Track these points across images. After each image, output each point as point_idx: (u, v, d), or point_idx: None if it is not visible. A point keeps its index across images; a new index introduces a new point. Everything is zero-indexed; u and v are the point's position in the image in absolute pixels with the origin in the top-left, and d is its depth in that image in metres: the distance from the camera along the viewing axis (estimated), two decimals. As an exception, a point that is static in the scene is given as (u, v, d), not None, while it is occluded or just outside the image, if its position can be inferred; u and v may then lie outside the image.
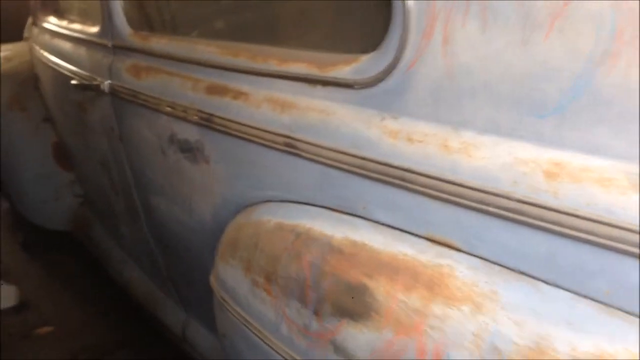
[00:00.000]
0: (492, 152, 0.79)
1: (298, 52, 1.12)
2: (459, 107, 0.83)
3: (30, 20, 2.84)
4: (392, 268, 0.89)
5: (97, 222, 2.64)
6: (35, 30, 2.62)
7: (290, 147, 1.08)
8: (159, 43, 1.49)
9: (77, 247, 3.02)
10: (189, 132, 1.37)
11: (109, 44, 1.70)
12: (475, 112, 0.81)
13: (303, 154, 1.06)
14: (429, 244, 0.89)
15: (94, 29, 1.81)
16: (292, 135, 1.07)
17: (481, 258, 0.82)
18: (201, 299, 1.66)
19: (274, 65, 1.13)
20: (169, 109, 1.41)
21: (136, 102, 1.55)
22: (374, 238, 0.95)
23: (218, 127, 1.25)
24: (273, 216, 1.14)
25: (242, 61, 1.21)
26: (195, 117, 1.32)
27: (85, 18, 2.02)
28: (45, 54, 2.31)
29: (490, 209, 0.79)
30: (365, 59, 0.97)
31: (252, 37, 1.37)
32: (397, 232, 0.93)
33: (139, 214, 1.85)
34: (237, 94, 1.21)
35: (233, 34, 1.53)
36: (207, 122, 1.28)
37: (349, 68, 0.99)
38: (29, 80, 2.85)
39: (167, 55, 1.45)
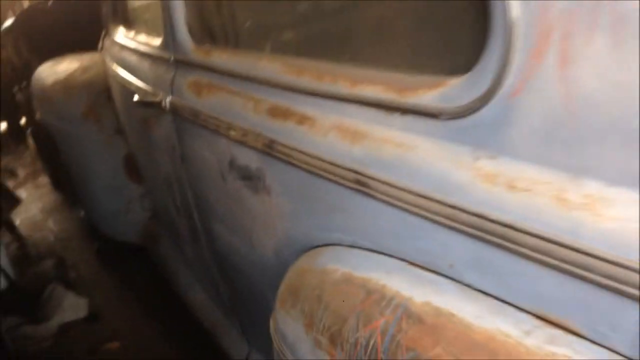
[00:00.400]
0: (627, 211, 0.59)
1: (373, 72, 0.94)
2: (581, 149, 0.63)
3: (104, 31, 2.81)
4: (489, 351, 0.69)
5: (164, 238, 2.56)
6: (107, 42, 2.57)
7: (362, 185, 0.91)
8: (221, 58, 1.36)
9: (149, 260, 2.97)
10: (249, 158, 1.22)
11: (171, 58, 1.59)
12: (604, 157, 0.61)
13: (377, 194, 0.88)
14: (538, 323, 0.69)
15: (157, 42, 1.70)
16: (363, 171, 0.90)
17: (614, 351, 0.62)
18: (264, 335, 1.51)
19: (344, 87, 0.96)
20: (229, 131, 1.27)
21: (197, 122, 1.42)
22: (464, 307, 0.76)
23: (280, 155, 1.10)
24: (340, 265, 0.97)
25: (307, 81, 1.04)
26: (256, 143, 1.16)
27: (150, 29, 1.93)
28: (114, 66, 2.24)
29: (628, 289, 0.58)
30: (454, 83, 0.78)
31: (322, 50, 1.20)
32: (494, 302, 0.74)
33: (201, 239, 1.73)
34: (302, 119, 1.04)
35: (302, 47, 1.36)
36: (269, 148, 1.12)
37: (434, 94, 0.80)
38: (104, 92, 2.81)
39: (228, 71, 1.30)
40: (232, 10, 1.50)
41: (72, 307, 2.94)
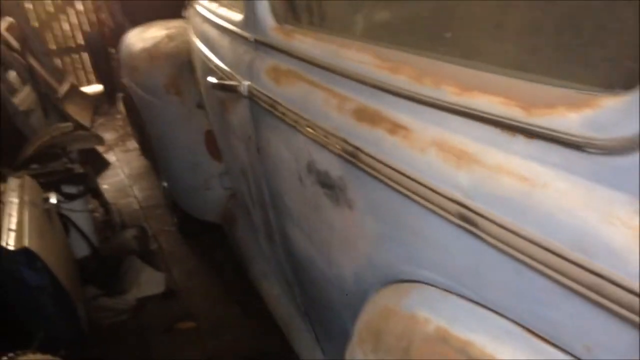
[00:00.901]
0: None
1: (490, 75, 0.73)
2: None
3: (187, -1, 2.68)
4: None
5: (242, 220, 2.44)
6: (191, 11, 2.44)
7: (467, 221, 0.71)
8: (303, 42, 1.18)
9: (227, 239, 2.88)
10: (330, 164, 1.04)
11: (251, 38, 1.42)
12: None
13: (487, 237, 0.68)
14: None
15: (238, 18, 1.54)
16: (471, 205, 0.70)
17: None
18: (339, 351, 1.35)
19: (450, 94, 0.75)
20: (308, 129, 1.09)
21: (274, 113, 1.25)
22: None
23: (366, 167, 0.91)
24: (434, 314, 0.78)
25: (403, 81, 0.85)
26: (338, 147, 0.98)
27: (233, 2, 1.77)
28: (195, 39, 2.11)
29: None
30: (610, 104, 0.57)
31: (424, 38, 0.99)
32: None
33: (275, 237, 1.58)
34: (395, 127, 0.85)
35: (400, 32, 1.15)
36: (353, 157, 0.94)
37: (578, 116, 0.59)
38: (187, 63, 2.70)
39: (310, 59, 1.12)
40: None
41: (150, 282, 2.91)
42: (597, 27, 0.65)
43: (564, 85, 0.65)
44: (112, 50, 5.63)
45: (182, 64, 2.74)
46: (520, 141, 0.66)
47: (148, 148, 3.85)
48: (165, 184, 3.46)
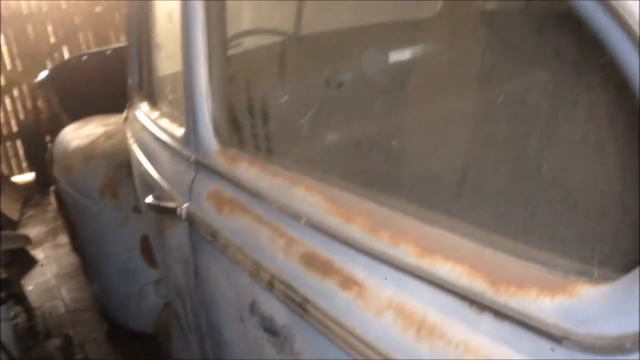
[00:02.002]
0: None
1: (455, 237, 0.68)
2: None
3: (128, 102, 2.62)
4: None
5: (177, 335, 2.29)
6: (131, 114, 2.37)
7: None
8: (249, 171, 1.12)
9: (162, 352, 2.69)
10: (275, 310, 0.96)
11: (192, 157, 1.35)
12: None
13: None
14: None
15: (179, 132, 1.48)
16: (435, 385, 0.63)
17: None
18: None
19: (409, 255, 0.70)
20: (252, 268, 1.01)
21: (215, 244, 1.17)
22: None
23: (314, 322, 0.83)
24: None
25: (358, 232, 0.79)
26: (285, 295, 0.91)
27: (174, 114, 1.71)
28: (134, 147, 2.03)
29: None
30: (592, 293, 0.51)
31: (377, 173, 0.95)
32: None
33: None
34: (347, 281, 0.78)
35: (351, 155, 1.12)
36: (300, 308, 0.86)
37: (550, 303, 0.54)
38: (125, 164, 2.60)
39: (257, 192, 1.06)
40: (267, 108, 1.27)
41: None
42: (570, 196, 0.62)
43: (533, 256, 0.60)
44: (48, 138, 5.46)
45: (119, 165, 2.64)
46: (488, 320, 0.60)
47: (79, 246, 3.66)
48: (95, 288, 3.26)
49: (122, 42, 6.26)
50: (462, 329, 0.62)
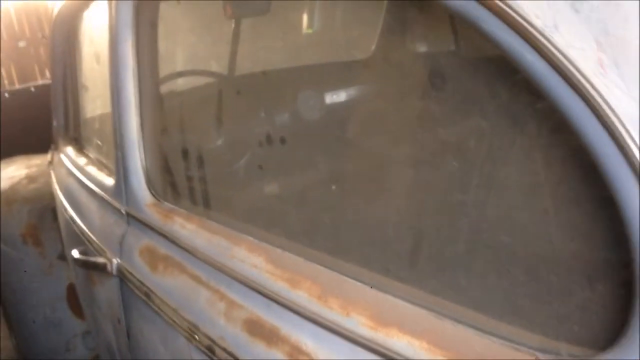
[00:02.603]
0: None
1: (414, 307, 0.64)
2: None
3: (53, 145, 2.49)
4: None
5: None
6: (56, 158, 2.25)
7: None
8: (185, 227, 1.05)
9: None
10: (216, 379, 0.89)
11: (122, 209, 1.28)
12: None
13: None
14: None
15: (109, 182, 1.39)
16: None
17: None
18: None
19: (362, 326, 0.65)
20: (189, 332, 0.94)
21: (149, 303, 1.09)
22: None
23: (262, 395, 0.77)
24: None
25: (304, 299, 0.74)
26: (227, 363, 0.84)
27: (104, 160, 1.62)
28: (59, 193, 1.92)
29: None
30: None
31: (321, 228, 0.91)
32: None
33: None
34: (295, 352, 0.73)
35: (291, 206, 1.08)
36: (245, 380, 0.80)
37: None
38: (50, 209, 2.46)
39: (194, 250, 1.00)
40: (202, 158, 1.21)
41: None
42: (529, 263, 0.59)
43: (495, 329, 0.56)
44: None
45: (43, 210, 2.49)
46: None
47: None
48: (16, 340, 3.05)
49: (47, 79, 6.05)
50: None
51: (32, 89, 4.89)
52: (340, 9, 2.73)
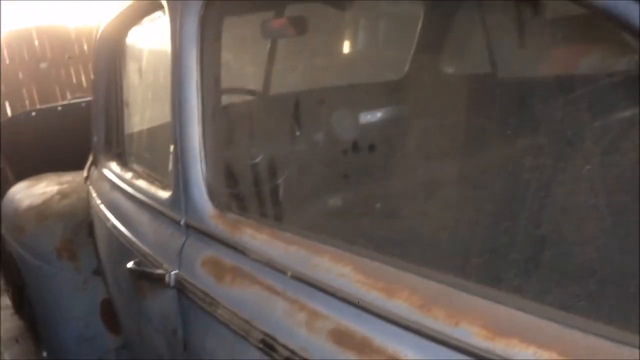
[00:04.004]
0: None
1: (523, 315, 0.62)
2: None
3: (90, 158, 2.49)
4: None
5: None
6: (95, 173, 2.25)
7: None
8: (256, 238, 1.04)
9: None
10: (295, 391, 0.87)
11: (181, 221, 1.26)
12: None
13: None
14: None
15: (164, 194, 1.38)
16: None
17: None
18: None
19: (476, 337, 0.63)
20: (262, 344, 0.93)
21: (214, 314, 1.07)
22: None
23: (351, 407, 0.75)
24: None
25: (404, 308, 0.72)
26: (311, 375, 0.82)
27: (154, 174, 1.62)
28: (103, 207, 1.91)
29: None
30: None
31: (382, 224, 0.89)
32: None
33: None
34: (393, 362, 0.71)
35: (358, 217, 1.06)
36: (332, 391, 0.78)
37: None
38: (84, 225, 2.46)
39: (267, 260, 0.98)
40: (272, 170, 1.20)
41: None
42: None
43: (629, 339, 0.54)
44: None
45: (78, 225, 2.49)
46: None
47: (25, 307, 3.41)
48: (45, 354, 3.03)
49: (68, 99, 6.10)
50: None
51: (59, 108, 4.93)
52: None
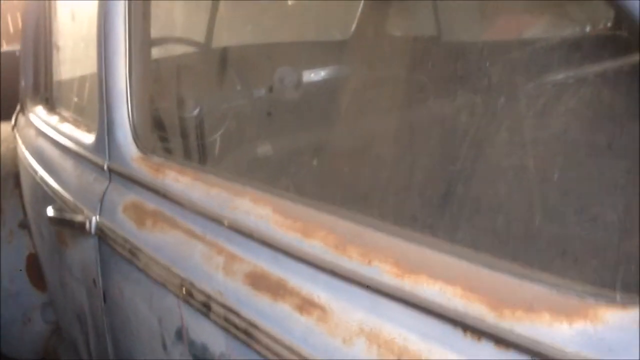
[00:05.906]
0: None
1: (442, 254, 0.61)
2: None
3: (19, 105, 2.37)
4: None
5: (68, 364, 2.07)
6: (22, 120, 2.14)
7: None
8: (179, 181, 1.00)
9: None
10: (209, 336, 0.85)
11: (104, 165, 1.21)
12: None
13: None
14: None
15: (88, 138, 1.32)
16: None
17: None
18: None
19: (386, 274, 0.62)
20: (182, 289, 0.89)
21: (133, 261, 1.03)
22: None
23: (263, 350, 0.73)
24: None
25: (319, 248, 0.70)
26: (224, 319, 0.80)
27: (80, 118, 1.55)
28: (28, 155, 1.82)
29: None
30: (620, 316, 0.46)
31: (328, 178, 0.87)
32: None
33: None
34: (306, 304, 0.69)
35: (286, 166, 1.04)
36: (246, 335, 0.76)
37: (568, 329, 0.48)
38: (11, 176, 2.35)
39: (189, 203, 0.94)
40: (199, 113, 1.15)
41: None
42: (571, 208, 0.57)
43: (537, 277, 0.54)
44: None
45: (4, 177, 2.38)
46: (489, 348, 0.53)
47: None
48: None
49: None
50: (445, 354, 0.55)
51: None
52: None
